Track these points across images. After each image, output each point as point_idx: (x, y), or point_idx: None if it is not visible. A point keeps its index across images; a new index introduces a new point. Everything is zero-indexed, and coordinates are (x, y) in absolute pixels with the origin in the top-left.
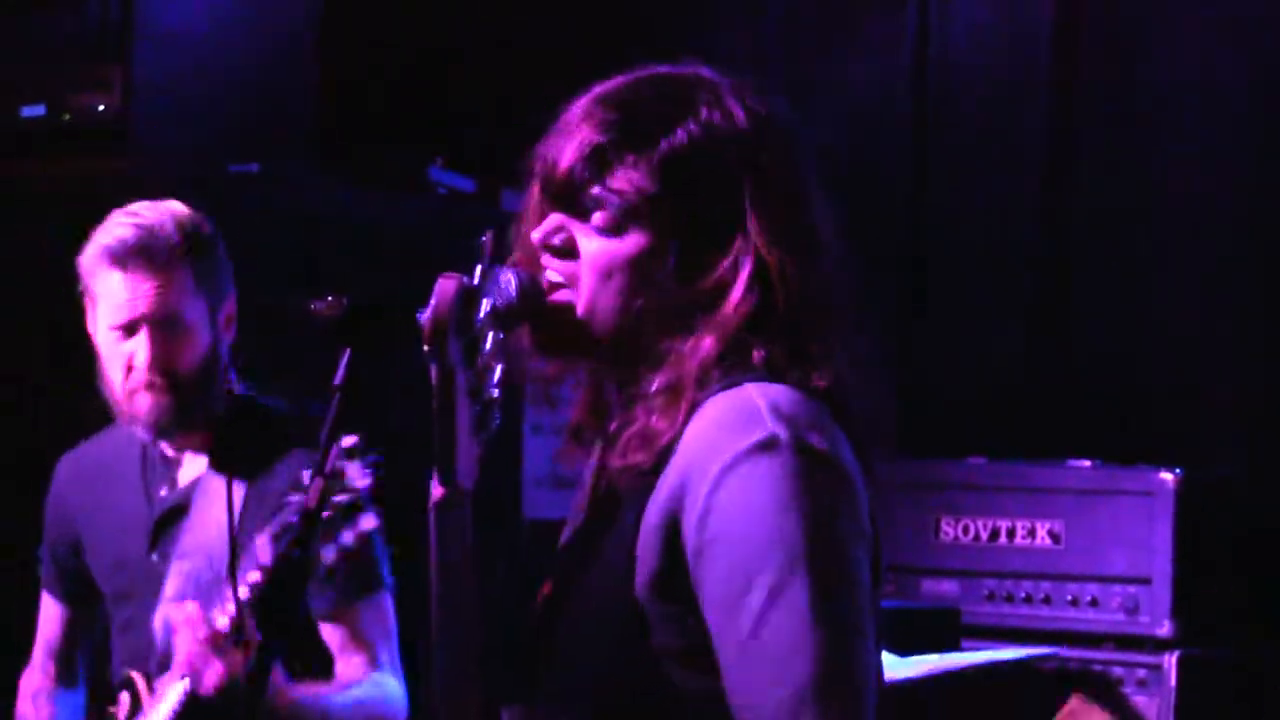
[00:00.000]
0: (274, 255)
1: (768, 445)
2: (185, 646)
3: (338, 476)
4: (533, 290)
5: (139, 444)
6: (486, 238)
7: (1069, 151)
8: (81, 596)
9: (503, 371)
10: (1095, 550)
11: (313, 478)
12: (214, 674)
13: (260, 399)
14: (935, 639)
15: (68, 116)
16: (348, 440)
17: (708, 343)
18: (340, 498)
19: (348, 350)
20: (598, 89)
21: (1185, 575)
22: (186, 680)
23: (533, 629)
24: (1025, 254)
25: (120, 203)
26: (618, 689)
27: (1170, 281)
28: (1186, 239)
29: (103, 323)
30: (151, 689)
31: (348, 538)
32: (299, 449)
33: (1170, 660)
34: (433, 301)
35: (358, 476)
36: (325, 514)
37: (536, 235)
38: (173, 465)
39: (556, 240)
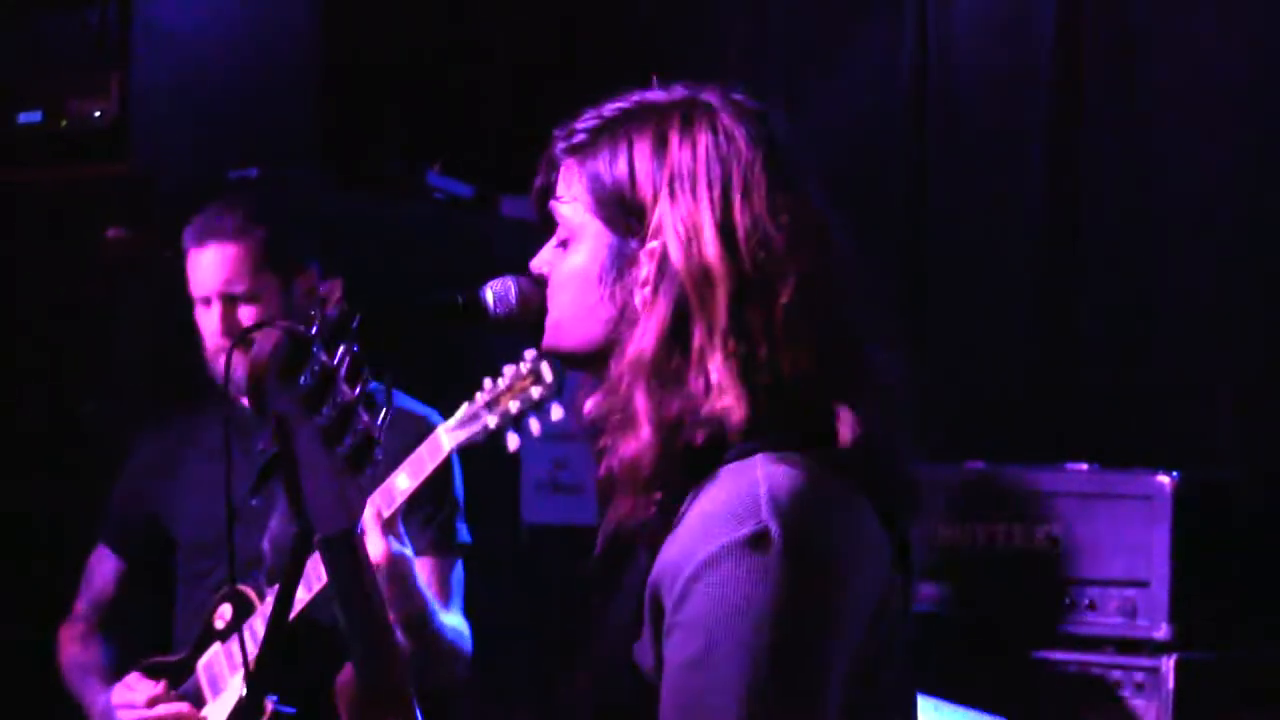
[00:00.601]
0: None
1: (756, 542)
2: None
3: (532, 374)
4: (532, 298)
5: (222, 412)
6: (332, 285)
7: (1070, 152)
8: (142, 552)
9: (385, 411)
10: (1093, 554)
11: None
12: (377, 550)
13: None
14: (932, 644)
15: (65, 123)
16: (531, 353)
17: (644, 347)
18: (535, 393)
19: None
20: (610, 114)
21: (1183, 578)
22: (318, 581)
23: (557, 659)
24: (1024, 257)
25: (117, 207)
26: None
27: (1170, 284)
28: (1187, 240)
29: (195, 301)
30: (262, 596)
31: (534, 425)
32: (398, 410)
33: (1168, 664)
34: (251, 354)
35: (550, 375)
36: (512, 404)
37: (532, 264)
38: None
39: (543, 269)
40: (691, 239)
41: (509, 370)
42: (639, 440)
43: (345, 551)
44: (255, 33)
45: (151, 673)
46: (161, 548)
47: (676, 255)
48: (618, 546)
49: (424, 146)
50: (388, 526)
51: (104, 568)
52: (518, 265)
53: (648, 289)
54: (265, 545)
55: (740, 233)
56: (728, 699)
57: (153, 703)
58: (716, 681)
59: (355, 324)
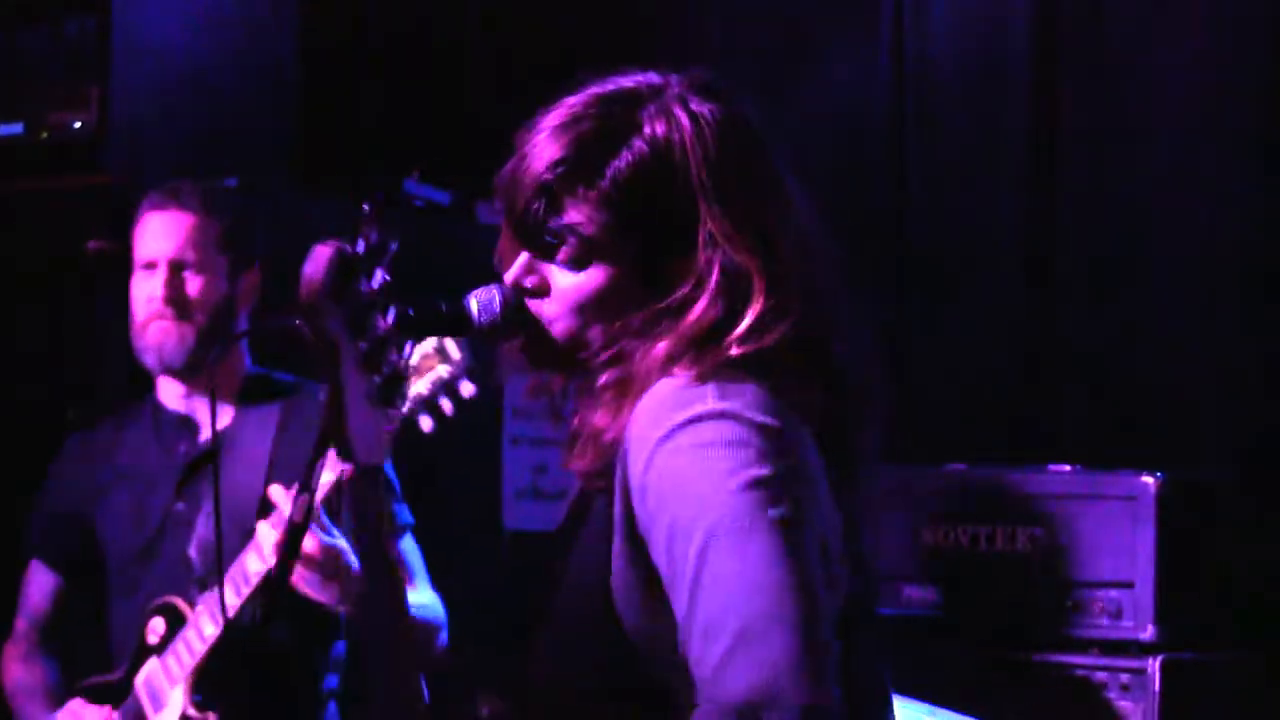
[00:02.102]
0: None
1: (707, 415)
2: (271, 533)
3: (439, 353)
4: (515, 311)
5: (149, 412)
6: (369, 206)
7: (1050, 152)
8: (77, 566)
9: (409, 353)
10: (1077, 555)
11: (296, 495)
12: (312, 544)
13: (274, 374)
14: (918, 645)
15: (45, 134)
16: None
17: (661, 346)
18: (445, 369)
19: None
20: (544, 118)
21: (1169, 580)
22: (249, 585)
23: (521, 628)
24: (1009, 259)
25: (98, 219)
26: (596, 683)
27: (1153, 284)
28: (1168, 242)
29: (136, 267)
30: (194, 604)
31: (446, 405)
32: (312, 394)
33: (1154, 665)
34: (306, 268)
35: (457, 352)
36: (429, 388)
37: (509, 277)
38: (190, 424)
39: (528, 283)
40: (740, 256)
41: (417, 349)
42: (618, 417)
43: (375, 487)
44: (232, 44)
45: (92, 695)
46: (96, 559)
47: (725, 271)
48: (577, 511)
49: (401, 154)
50: (314, 520)
51: (38, 582)
52: (495, 271)
53: (700, 299)
54: (193, 553)
55: (776, 245)
56: (730, 569)
57: None
58: (698, 549)
59: (393, 251)
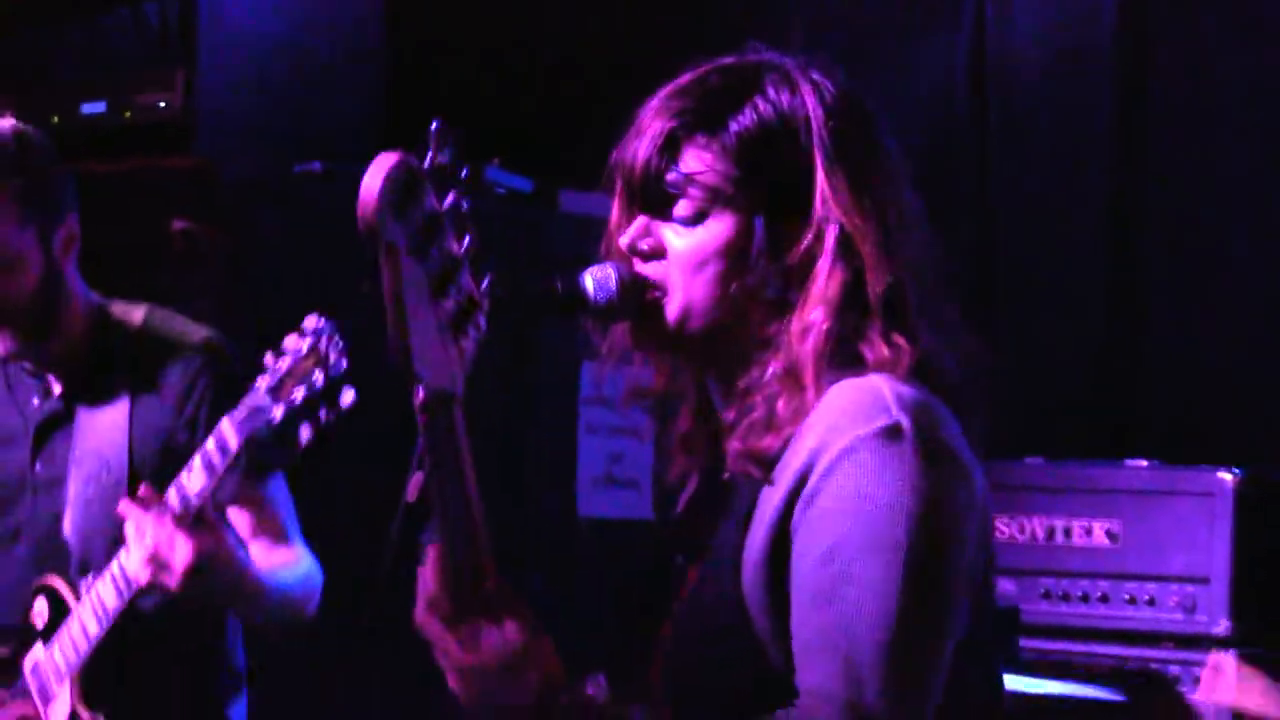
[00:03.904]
0: (336, 253)
1: (892, 433)
2: (148, 535)
3: (314, 354)
4: (633, 286)
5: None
6: (438, 122)
7: (1138, 146)
8: None
9: (487, 280)
10: (1153, 549)
11: (411, 473)
12: (184, 552)
13: (113, 308)
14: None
15: (129, 114)
16: (312, 321)
17: (817, 317)
18: (318, 375)
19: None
20: (667, 86)
21: (1243, 575)
22: (139, 569)
23: (651, 617)
24: (1091, 253)
25: (182, 199)
26: (727, 677)
27: (1236, 281)
28: (1253, 237)
29: None
30: (76, 593)
31: (326, 416)
32: (168, 337)
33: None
34: (368, 174)
35: (335, 356)
36: (299, 393)
37: (624, 240)
38: (41, 377)
39: (644, 245)
40: (857, 215)
41: (290, 346)
42: (802, 401)
43: (448, 412)
44: (318, 26)
45: None
46: None
47: (844, 228)
48: (711, 497)
49: (483, 141)
50: (195, 526)
51: None
52: (577, 259)
53: (820, 262)
54: (68, 533)
55: (889, 210)
56: (861, 589)
57: None
58: (855, 570)
59: (464, 174)
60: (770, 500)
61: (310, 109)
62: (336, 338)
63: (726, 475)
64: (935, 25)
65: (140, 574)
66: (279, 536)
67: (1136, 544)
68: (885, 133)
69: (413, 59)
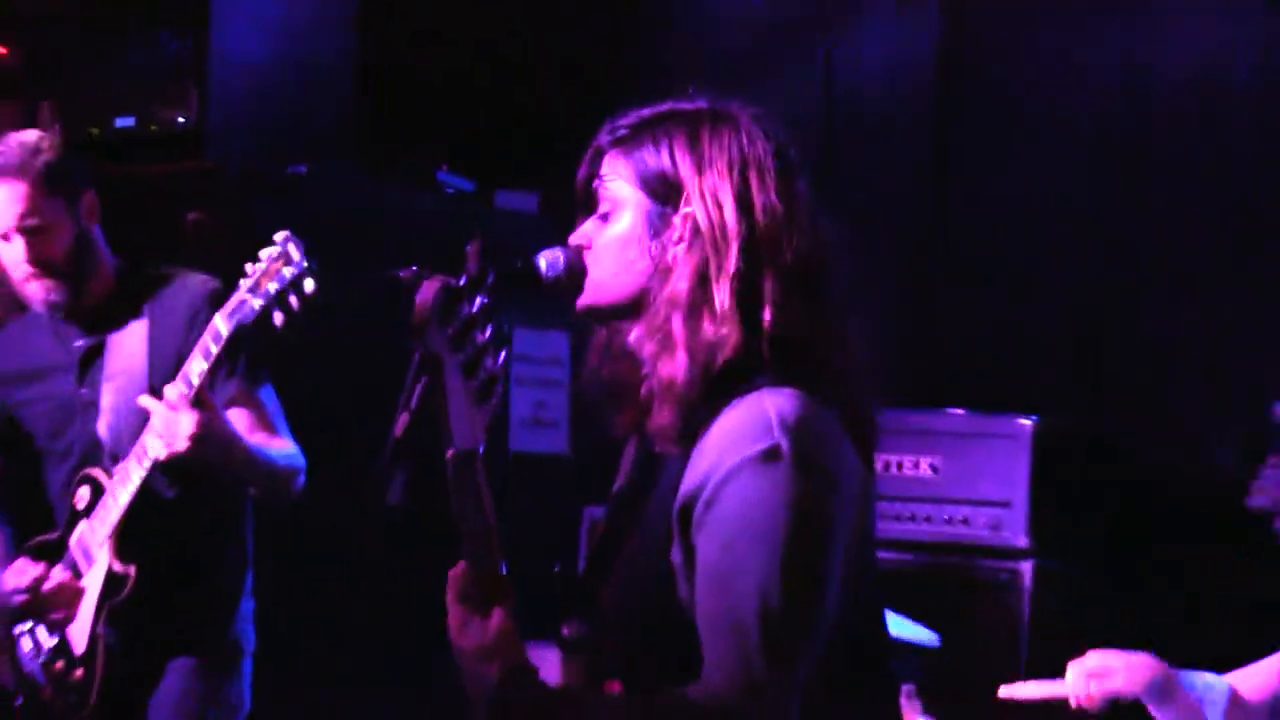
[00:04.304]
0: (318, 236)
1: (772, 454)
2: (157, 417)
3: (283, 257)
4: (577, 265)
5: (46, 315)
6: (473, 247)
7: (950, 154)
8: (7, 444)
9: (503, 356)
10: (967, 480)
11: (398, 413)
12: (189, 422)
13: (132, 265)
14: None
15: (154, 127)
16: (280, 234)
17: (680, 289)
18: (285, 270)
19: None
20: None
21: (1038, 501)
22: (155, 447)
23: (596, 558)
24: (916, 244)
25: (196, 196)
26: (655, 622)
27: (1030, 264)
28: (1041, 230)
29: None
30: (110, 474)
31: (294, 301)
32: (179, 281)
33: (1027, 567)
34: (416, 301)
35: (297, 255)
36: (272, 286)
37: (571, 238)
38: (82, 320)
39: (581, 240)
40: (715, 207)
41: (264, 254)
42: (675, 361)
43: (471, 465)
44: (302, 57)
45: (35, 554)
46: (22, 436)
47: (704, 219)
48: (646, 467)
49: (434, 147)
50: (195, 404)
51: None
52: (509, 246)
53: (682, 245)
54: (102, 432)
55: (754, 207)
56: (748, 580)
57: (38, 583)
58: (741, 565)
59: (490, 281)
60: (686, 485)
61: (297, 122)
62: (298, 243)
63: (657, 450)
64: (794, 59)
65: (156, 447)
66: (270, 430)
67: (954, 475)
68: (797, 168)
69: (379, 83)
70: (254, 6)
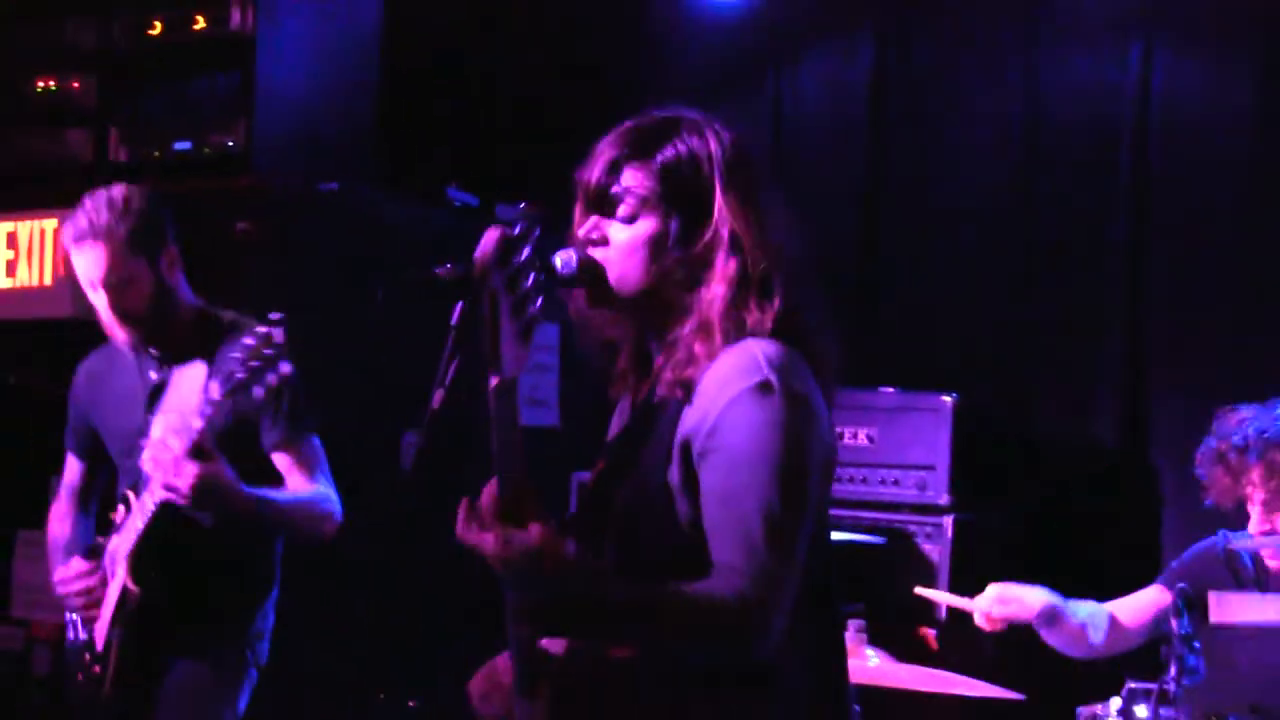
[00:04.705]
0: (348, 245)
1: (764, 387)
2: (160, 462)
3: (266, 339)
4: (587, 264)
5: (134, 354)
6: (524, 205)
7: (881, 170)
8: (93, 454)
9: (541, 300)
10: (897, 447)
11: (434, 389)
12: (187, 476)
13: (209, 308)
14: None
15: (207, 150)
16: (271, 320)
17: (720, 290)
18: (267, 352)
19: (462, 301)
20: (618, 127)
21: (958, 464)
22: (160, 491)
23: (594, 494)
24: (850, 239)
25: (244, 210)
26: (658, 538)
27: (950, 265)
28: (960, 235)
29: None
30: (139, 499)
31: (271, 379)
32: (240, 335)
33: (948, 521)
34: (480, 245)
35: (278, 338)
36: (254, 364)
37: (581, 233)
38: (160, 356)
39: (595, 235)
40: (739, 217)
41: (255, 332)
42: (712, 343)
43: (513, 392)
44: (335, 92)
45: (89, 554)
46: (101, 450)
47: (729, 229)
48: (644, 414)
49: (443, 165)
50: (195, 455)
51: (70, 465)
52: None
53: (713, 251)
54: (144, 462)
55: (765, 215)
56: (751, 490)
57: (78, 580)
58: (744, 479)
59: (535, 235)
60: (686, 423)
61: (329, 145)
62: (280, 330)
63: (656, 400)
64: (744, 89)
65: (160, 492)
66: (309, 474)
67: (887, 444)
68: (761, 165)
69: (400, 112)
70: (292, 50)
